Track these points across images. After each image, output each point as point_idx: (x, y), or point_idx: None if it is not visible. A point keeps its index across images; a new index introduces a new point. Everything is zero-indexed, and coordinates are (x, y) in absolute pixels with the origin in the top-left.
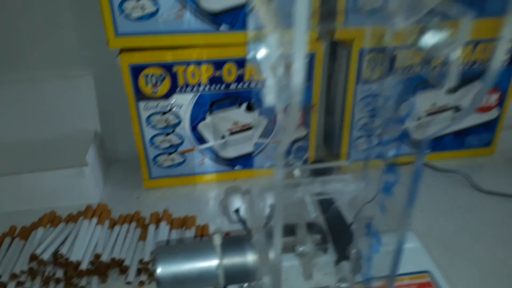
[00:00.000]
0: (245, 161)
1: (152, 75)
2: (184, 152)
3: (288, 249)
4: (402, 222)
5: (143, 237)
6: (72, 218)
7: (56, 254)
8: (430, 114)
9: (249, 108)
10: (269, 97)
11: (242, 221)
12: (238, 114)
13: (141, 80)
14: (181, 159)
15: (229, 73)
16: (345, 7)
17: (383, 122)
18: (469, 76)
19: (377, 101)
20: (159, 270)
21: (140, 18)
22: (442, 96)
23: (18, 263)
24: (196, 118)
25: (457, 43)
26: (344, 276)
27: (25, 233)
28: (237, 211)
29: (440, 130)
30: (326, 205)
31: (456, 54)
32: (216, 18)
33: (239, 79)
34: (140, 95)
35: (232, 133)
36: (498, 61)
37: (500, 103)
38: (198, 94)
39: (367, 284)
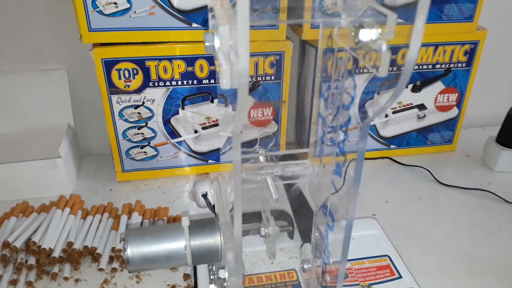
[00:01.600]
0: (219, 155)
1: (125, 70)
2: (157, 146)
3: (255, 230)
4: (350, 201)
5: (115, 227)
6: (44, 208)
7: (28, 242)
8: (396, 112)
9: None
10: (224, 81)
11: (210, 206)
12: (211, 109)
13: (114, 74)
14: (154, 152)
15: (201, 69)
16: (312, 7)
17: (337, 112)
18: (432, 77)
19: (341, 98)
20: (128, 250)
21: (113, 14)
22: (407, 95)
23: None
24: (169, 112)
25: (384, 37)
26: (307, 258)
27: None
28: (205, 196)
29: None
30: (293, 194)
31: (384, 48)
32: (188, 16)
33: (211, 75)
34: (113, 89)
35: (205, 128)
36: (409, 69)
37: (459, 103)
38: (171, 88)
39: (327, 265)
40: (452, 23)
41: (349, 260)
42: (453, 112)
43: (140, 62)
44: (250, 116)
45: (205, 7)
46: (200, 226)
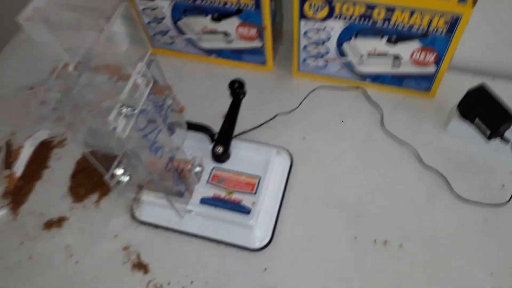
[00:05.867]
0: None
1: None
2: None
3: None
4: None
5: None
6: None
7: None
8: (370, 55)
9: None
10: None
11: None
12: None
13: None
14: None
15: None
16: None
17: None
18: (408, 35)
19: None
20: None
21: None
22: (382, 45)
23: None
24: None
25: None
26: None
27: None
28: None
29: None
30: None
31: None
32: None
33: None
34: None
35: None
36: None
37: (437, 62)
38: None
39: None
40: None
41: (232, 171)
42: (431, 68)
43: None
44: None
45: None
46: None
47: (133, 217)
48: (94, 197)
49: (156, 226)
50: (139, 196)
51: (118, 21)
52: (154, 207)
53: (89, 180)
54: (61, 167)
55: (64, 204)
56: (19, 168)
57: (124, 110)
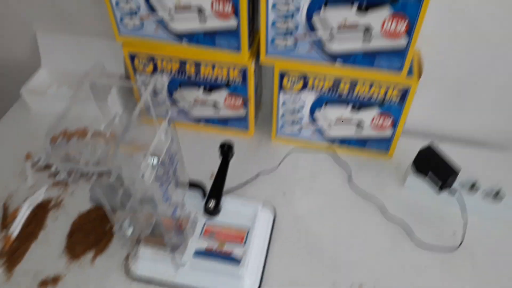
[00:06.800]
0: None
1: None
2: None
3: None
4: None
5: None
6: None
7: None
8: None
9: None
10: None
11: None
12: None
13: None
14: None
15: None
16: None
17: None
18: (369, 103)
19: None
20: None
21: None
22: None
23: None
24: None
25: None
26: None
27: None
28: None
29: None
30: None
31: None
32: None
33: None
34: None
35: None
36: None
37: (393, 126)
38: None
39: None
40: None
41: (223, 225)
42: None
43: None
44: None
45: None
46: None
47: (128, 273)
48: (90, 254)
49: (150, 282)
50: (134, 251)
51: (115, 92)
52: (149, 261)
53: (86, 238)
54: (57, 228)
55: (60, 263)
56: (15, 229)
57: (151, 160)
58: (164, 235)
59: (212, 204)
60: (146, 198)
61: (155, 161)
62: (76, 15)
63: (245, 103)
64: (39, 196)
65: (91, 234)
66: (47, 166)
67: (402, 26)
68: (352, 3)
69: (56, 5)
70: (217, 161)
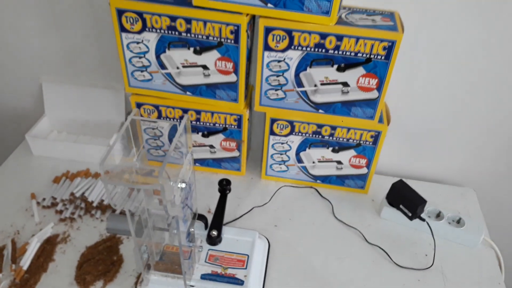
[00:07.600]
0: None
1: (281, 124)
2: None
3: None
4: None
5: None
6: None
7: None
8: (323, 84)
9: (339, 69)
10: None
11: None
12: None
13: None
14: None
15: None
16: None
17: None
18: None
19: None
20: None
21: None
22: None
23: None
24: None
25: None
26: None
27: None
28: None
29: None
30: None
31: None
32: None
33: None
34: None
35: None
36: None
37: (368, 166)
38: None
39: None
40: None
41: (225, 251)
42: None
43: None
44: (221, 145)
45: None
46: None
47: None
48: (99, 284)
49: None
50: (141, 278)
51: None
52: (159, 286)
53: (95, 268)
54: (66, 260)
55: None
56: (26, 262)
57: (180, 184)
58: (181, 259)
59: (214, 233)
60: (159, 224)
61: (183, 185)
62: (82, 67)
63: (239, 146)
64: (47, 232)
65: (100, 265)
66: (53, 204)
67: (374, 82)
68: (333, 65)
69: (64, 57)
70: (213, 197)
